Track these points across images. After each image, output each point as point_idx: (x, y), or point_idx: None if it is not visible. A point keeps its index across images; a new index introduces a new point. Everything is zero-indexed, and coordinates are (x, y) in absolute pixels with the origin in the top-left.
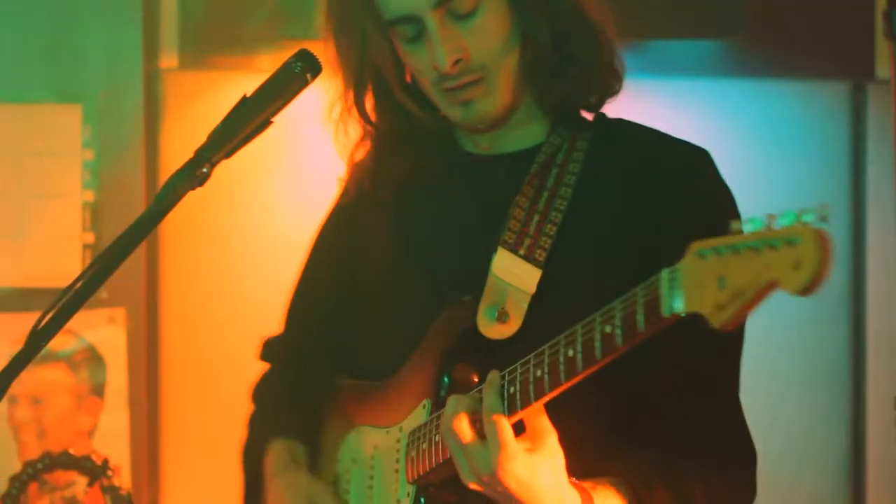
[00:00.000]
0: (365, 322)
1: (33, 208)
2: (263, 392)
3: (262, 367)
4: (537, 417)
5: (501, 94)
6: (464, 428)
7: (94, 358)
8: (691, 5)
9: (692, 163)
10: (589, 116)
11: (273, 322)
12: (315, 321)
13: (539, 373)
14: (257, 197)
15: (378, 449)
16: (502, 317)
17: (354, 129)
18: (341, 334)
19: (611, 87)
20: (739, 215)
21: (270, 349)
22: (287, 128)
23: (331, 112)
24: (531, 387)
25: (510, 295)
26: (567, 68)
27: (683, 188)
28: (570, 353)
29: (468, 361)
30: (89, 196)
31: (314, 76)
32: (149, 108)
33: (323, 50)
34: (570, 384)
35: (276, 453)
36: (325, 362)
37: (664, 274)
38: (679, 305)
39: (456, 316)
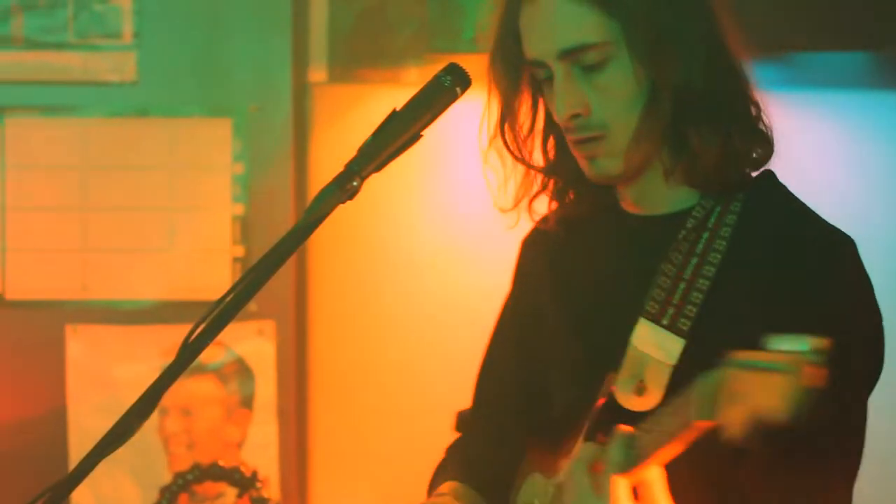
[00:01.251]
0: (538, 379)
1: (183, 221)
2: (452, 452)
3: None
4: (654, 490)
5: (626, 154)
6: (583, 472)
7: (243, 370)
8: (842, 16)
9: (838, 253)
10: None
11: (419, 335)
12: (504, 386)
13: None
14: (406, 209)
15: (539, 497)
16: (640, 390)
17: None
18: (529, 391)
19: (752, 155)
20: (877, 309)
21: (464, 421)
22: (435, 139)
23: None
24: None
25: (649, 367)
26: (689, 141)
27: (827, 276)
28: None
29: (607, 431)
30: (239, 209)
31: (463, 90)
32: (298, 121)
33: (471, 63)
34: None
35: (440, 489)
36: (515, 425)
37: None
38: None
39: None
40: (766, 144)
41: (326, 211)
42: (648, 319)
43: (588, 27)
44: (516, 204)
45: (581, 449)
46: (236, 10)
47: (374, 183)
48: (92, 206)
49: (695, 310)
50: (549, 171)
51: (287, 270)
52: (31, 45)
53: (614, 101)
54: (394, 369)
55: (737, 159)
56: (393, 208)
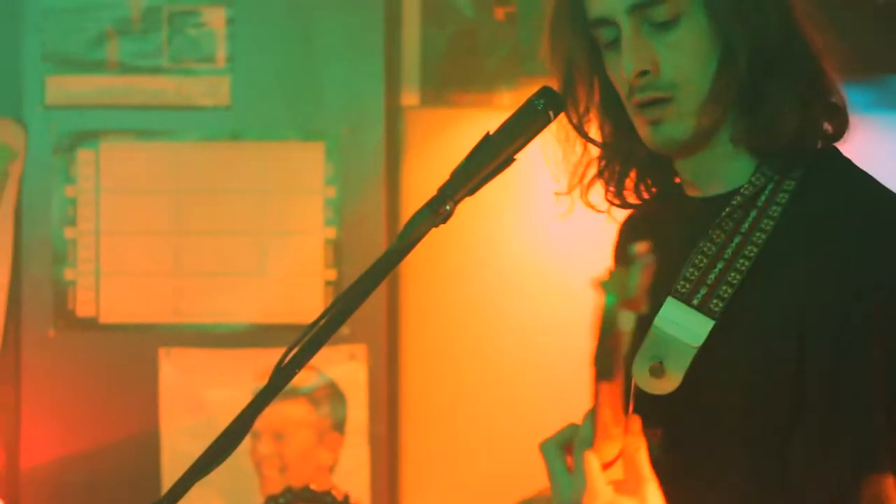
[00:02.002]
0: None
1: (276, 245)
2: None
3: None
4: (637, 462)
5: (694, 118)
6: (555, 453)
7: (335, 394)
8: None
9: (884, 223)
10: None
11: (512, 360)
12: None
13: None
14: (497, 233)
15: None
16: (655, 371)
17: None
18: None
19: (825, 129)
20: None
21: None
22: (528, 163)
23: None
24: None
25: (671, 348)
26: (765, 104)
27: (873, 252)
28: None
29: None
30: (331, 233)
31: (557, 114)
32: (390, 145)
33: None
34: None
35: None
36: None
37: None
38: None
39: None
40: (839, 119)
41: (419, 235)
42: (678, 299)
43: None
44: (571, 189)
45: (559, 431)
46: (329, 35)
47: (467, 207)
48: (185, 229)
49: (730, 290)
50: (607, 151)
51: (379, 294)
52: (126, 69)
53: (686, 59)
54: (485, 393)
55: (813, 127)
56: (485, 232)
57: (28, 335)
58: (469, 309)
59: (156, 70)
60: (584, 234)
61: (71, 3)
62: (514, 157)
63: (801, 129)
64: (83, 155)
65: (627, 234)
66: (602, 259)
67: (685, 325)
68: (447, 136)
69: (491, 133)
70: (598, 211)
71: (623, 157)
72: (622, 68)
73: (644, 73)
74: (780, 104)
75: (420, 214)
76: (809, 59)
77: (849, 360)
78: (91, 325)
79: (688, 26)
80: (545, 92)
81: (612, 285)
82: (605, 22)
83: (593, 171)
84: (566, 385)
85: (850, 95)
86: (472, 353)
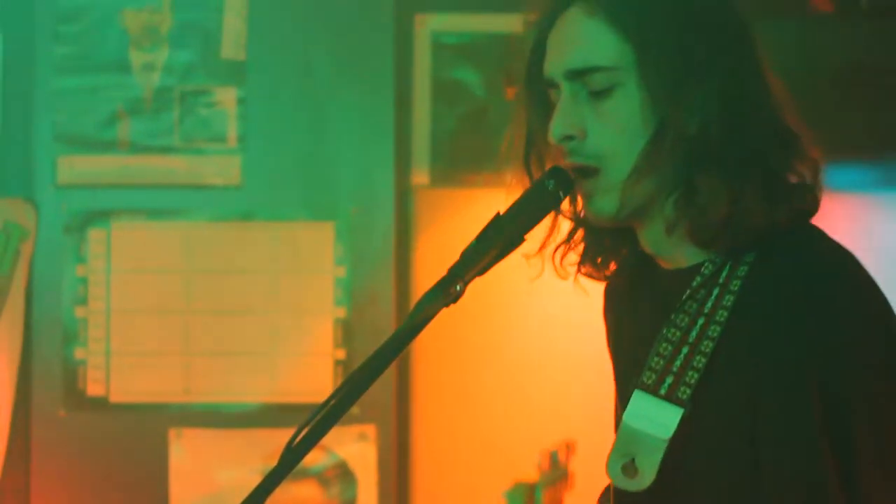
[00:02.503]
0: None
1: (286, 324)
2: None
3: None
4: None
5: (620, 193)
6: None
7: (344, 474)
8: None
9: (830, 291)
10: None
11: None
12: None
13: None
14: (509, 313)
15: None
16: (628, 470)
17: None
18: None
19: (788, 208)
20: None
21: None
22: (538, 243)
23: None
24: None
25: (642, 444)
26: (696, 194)
27: (821, 334)
28: None
29: None
30: (341, 312)
31: (566, 194)
32: (400, 224)
33: None
34: None
35: None
36: None
37: None
38: None
39: None
40: (802, 199)
41: (429, 315)
42: (644, 391)
43: (601, 48)
44: (540, 250)
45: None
46: (339, 114)
47: (478, 286)
48: (195, 309)
49: (696, 376)
50: (578, 222)
51: (389, 374)
52: (137, 149)
53: (613, 131)
54: (497, 476)
55: (748, 218)
56: (496, 312)
57: (38, 415)
58: (480, 389)
59: (167, 150)
60: (597, 313)
61: (82, 83)
62: (525, 237)
63: (737, 218)
64: (94, 234)
65: (609, 298)
66: None
67: (654, 418)
68: (457, 216)
69: (501, 213)
70: (563, 277)
71: (585, 226)
72: (549, 130)
73: (570, 137)
74: (710, 198)
75: (430, 294)
76: (763, 145)
77: (796, 449)
78: (101, 404)
79: (621, 98)
80: (555, 172)
81: (516, 499)
82: (553, 84)
83: (562, 237)
84: (579, 466)
85: (856, 174)
86: (483, 433)
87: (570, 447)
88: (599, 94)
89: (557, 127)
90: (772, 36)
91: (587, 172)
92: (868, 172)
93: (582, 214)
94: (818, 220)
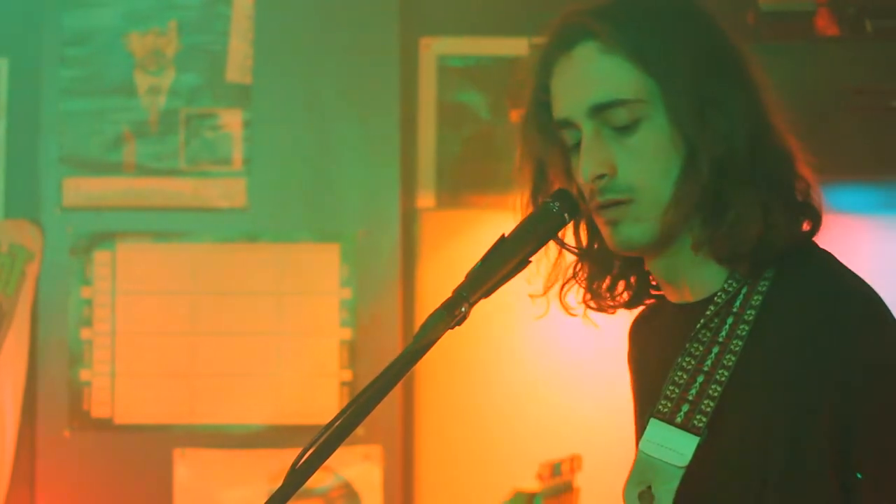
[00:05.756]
0: None
1: (291, 346)
2: None
3: None
4: None
5: (654, 222)
6: None
7: (349, 495)
8: None
9: (854, 325)
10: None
11: (529, 462)
12: None
13: None
14: (513, 335)
15: None
16: (644, 497)
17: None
18: None
19: (796, 229)
20: None
21: None
22: (543, 265)
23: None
24: None
25: (658, 472)
26: (726, 213)
27: (843, 355)
28: None
29: None
30: (346, 334)
31: (572, 216)
32: (405, 246)
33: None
34: None
35: None
36: None
37: None
38: None
39: None
40: (811, 218)
41: (434, 337)
42: (660, 420)
43: (622, 82)
44: (546, 290)
45: None
46: (345, 137)
47: (483, 307)
48: (200, 330)
49: (712, 404)
50: (582, 255)
51: (394, 395)
52: (143, 171)
53: (645, 164)
54: (500, 496)
55: (776, 233)
56: (501, 334)
57: (43, 436)
58: (484, 411)
59: (172, 172)
60: (601, 336)
61: (89, 105)
62: (530, 259)
63: (767, 233)
64: (100, 256)
65: (632, 340)
66: (617, 368)
67: (670, 446)
68: (463, 238)
69: (506, 235)
70: (572, 314)
71: (596, 262)
72: (579, 169)
73: (601, 176)
74: (742, 213)
75: (435, 316)
76: (778, 164)
77: (810, 475)
78: (106, 425)
79: (648, 131)
80: (560, 194)
81: None
82: (569, 124)
83: (569, 273)
84: (585, 489)
85: (859, 196)
86: (487, 454)
87: (574, 461)
88: (624, 130)
89: (588, 167)
90: (778, 58)
91: (618, 203)
92: (871, 194)
93: (594, 245)
94: (821, 243)
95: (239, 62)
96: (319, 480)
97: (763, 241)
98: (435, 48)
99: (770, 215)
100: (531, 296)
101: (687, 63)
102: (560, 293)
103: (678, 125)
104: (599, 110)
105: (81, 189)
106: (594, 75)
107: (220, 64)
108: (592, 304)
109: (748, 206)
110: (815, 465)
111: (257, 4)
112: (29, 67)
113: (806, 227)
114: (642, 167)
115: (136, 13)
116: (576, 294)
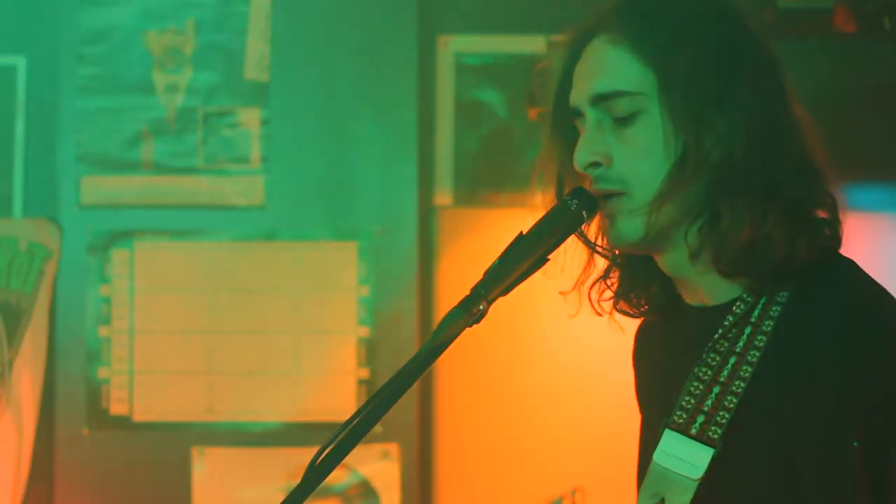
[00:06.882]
0: None
1: (309, 344)
2: None
3: None
4: None
5: (645, 217)
6: None
7: (367, 492)
8: None
9: (883, 339)
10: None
11: (547, 459)
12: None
13: None
14: (532, 332)
15: None
16: None
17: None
18: None
19: (815, 240)
20: None
21: None
22: (561, 262)
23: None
24: None
25: (672, 483)
26: (719, 220)
27: (860, 370)
28: None
29: None
30: (364, 332)
31: (590, 214)
32: (423, 244)
33: None
34: None
35: None
36: None
37: None
38: None
39: None
40: (821, 233)
41: (453, 335)
42: (675, 430)
43: (625, 74)
44: (575, 287)
45: None
46: (363, 135)
47: (501, 305)
48: (218, 328)
49: (727, 416)
50: (614, 260)
51: (412, 393)
52: (161, 169)
53: (638, 156)
54: (521, 493)
55: (767, 246)
56: (519, 331)
57: (62, 433)
58: (502, 408)
59: (190, 170)
60: (621, 335)
61: (106, 103)
62: (548, 256)
63: (761, 246)
64: (118, 254)
65: (640, 341)
66: None
67: (684, 458)
68: (480, 236)
69: (524, 232)
70: (600, 314)
71: (619, 264)
72: (574, 158)
73: (596, 165)
74: (732, 223)
75: (453, 314)
76: (785, 175)
77: (836, 486)
78: (124, 423)
79: (645, 124)
80: (578, 192)
81: None
82: (578, 113)
83: (602, 274)
84: (601, 487)
85: (877, 194)
86: (506, 452)
87: (577, 493)
88: (623, 121)
89: (582, 154)
90: (795, 56)
91: (614, 195)
92: (888, 192)
93: (604, 241)
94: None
95: (256, 60)
96: (337, 478)
97: (755, 253)
98: (452, 46)
99: (763, 227)
100: (562, 293)
101: (690, 62)
102: (590, 292)
103: (673, 123)
104: (601, 100)
105: (99, 187)
106: (600, 66)
107: (238, 62)
108: (618, 305)
109: (738, 216)
110: (848, 486)
111: (275, 2)
112: (47, 66)
113: (819, 241)
114: (635, 160)
115: (154, 11)
116: (603, 295)
